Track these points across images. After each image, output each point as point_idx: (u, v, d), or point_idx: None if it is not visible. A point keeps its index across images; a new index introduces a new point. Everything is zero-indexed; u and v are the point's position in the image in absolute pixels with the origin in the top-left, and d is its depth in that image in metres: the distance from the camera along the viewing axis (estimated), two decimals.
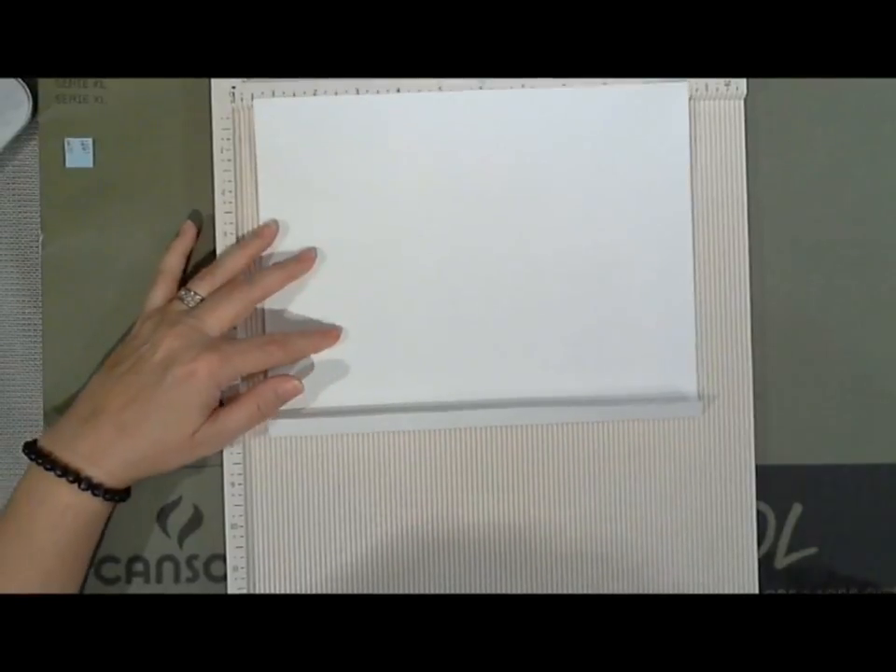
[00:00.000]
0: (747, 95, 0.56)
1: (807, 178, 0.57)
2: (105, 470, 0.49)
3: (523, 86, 0.55)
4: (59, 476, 0.48)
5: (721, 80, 0.56)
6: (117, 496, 0.50)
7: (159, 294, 0.53)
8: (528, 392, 0.55)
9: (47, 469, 0.48)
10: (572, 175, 0.56)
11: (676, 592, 0.54)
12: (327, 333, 0.54)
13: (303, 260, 0.54)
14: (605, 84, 0.55)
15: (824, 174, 0.57)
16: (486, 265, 0.55)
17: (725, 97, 0.56)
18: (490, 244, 0.56)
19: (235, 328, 0.54)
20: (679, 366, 0.55)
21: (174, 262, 0.54)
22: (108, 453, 0.49)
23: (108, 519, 0.52)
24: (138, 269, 0.55)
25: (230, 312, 0.51)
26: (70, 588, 0.51)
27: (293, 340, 0.53)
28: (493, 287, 0.55)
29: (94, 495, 0.49)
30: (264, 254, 0.55)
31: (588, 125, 0.55)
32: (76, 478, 0.48)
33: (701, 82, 0.56)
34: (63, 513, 0.48)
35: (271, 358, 0.52)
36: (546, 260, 0.56)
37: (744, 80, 0.56)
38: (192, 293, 0.52)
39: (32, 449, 0.50)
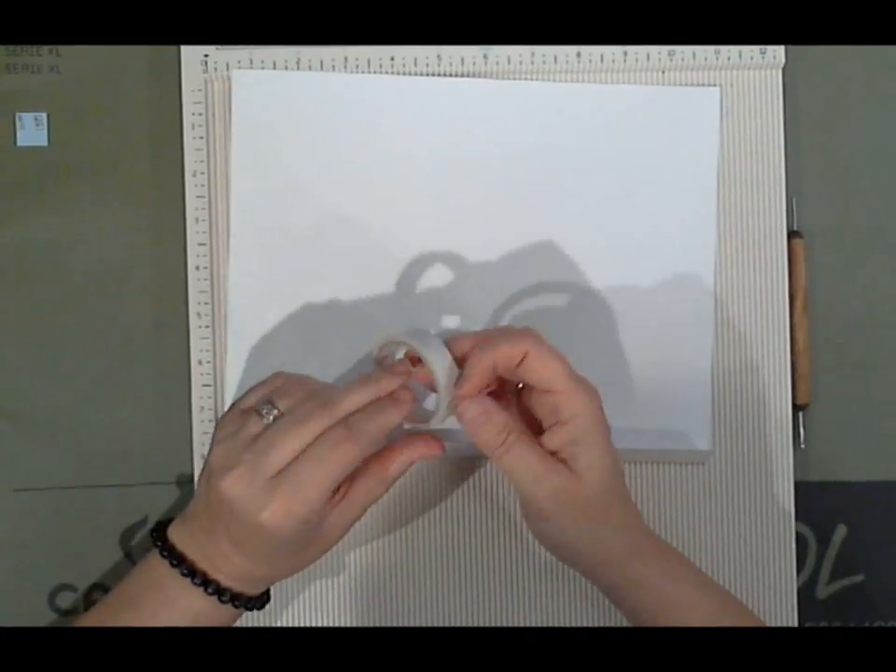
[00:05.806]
0: (785, 64, 0.55)
1: (853, 158, 0.56)
2: (230, 576, 0.47)
3: (532, 53, 0.54)
4: (196, 584, 0.46)
5: (756, 47, 0.54)
6: (249, 602, 0.48)
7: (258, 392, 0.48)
8: None
9: (183, 575, 0.46)
10: (587, 187, 0.53)
11: (708, 625, 0.50)
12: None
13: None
14: (631, 83, 0.54)
15: (872, 153, 0.56)
16: (478, 278, 0.53)
17: (761, 66, 0.55)
18: (487, 249, 0.53)
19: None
20: (694, 421, 0.53)
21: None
22: (229, 562, 0.46)
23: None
24: (99, 262, 0.54)
25: (299, 447, 0.44)
26: None
27: (362, 424, 0.45)
28: (485, 298, 0.53)
29: (222, 601, 0.47)
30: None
31: (609, 127, 0.53)
32: (216, 590, 0.46)
33: (734, 49, 0.54)
34: (193, 620, 0.47)
35: (346, 456, 0.44)
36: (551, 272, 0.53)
37: (782, 47, 0.55)
38: (270, 406, 0.46)
39: (164, 544, 0.47)
